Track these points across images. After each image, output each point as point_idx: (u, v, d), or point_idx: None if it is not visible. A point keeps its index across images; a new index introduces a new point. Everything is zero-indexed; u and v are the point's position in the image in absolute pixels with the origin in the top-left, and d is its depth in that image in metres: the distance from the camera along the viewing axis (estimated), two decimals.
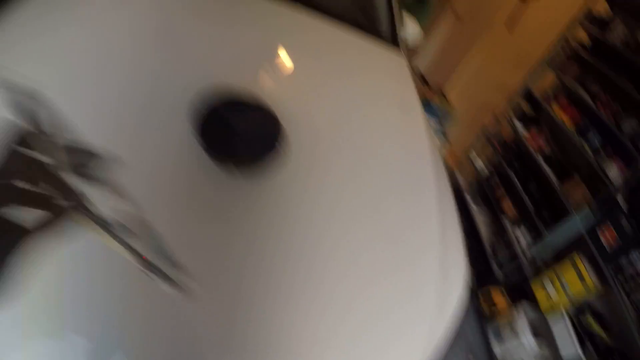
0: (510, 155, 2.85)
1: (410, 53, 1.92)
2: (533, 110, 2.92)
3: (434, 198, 1.20)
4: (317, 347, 0.80)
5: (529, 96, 2.85)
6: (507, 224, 2.65)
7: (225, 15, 1.33)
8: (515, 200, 2.69)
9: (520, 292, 2.42)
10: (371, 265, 0.96)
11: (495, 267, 2.62)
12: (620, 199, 1.96)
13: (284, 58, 1.32)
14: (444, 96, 4.36)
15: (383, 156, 1.21)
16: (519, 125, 2.81)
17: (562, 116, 2.45)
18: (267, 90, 1.12)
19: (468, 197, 3.15)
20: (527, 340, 2.17)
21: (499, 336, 2.34)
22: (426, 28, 5.32)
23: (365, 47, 1.59)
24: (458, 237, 1.24)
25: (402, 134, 1.35)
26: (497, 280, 2.59)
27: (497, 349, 2.34)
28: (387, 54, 1.66)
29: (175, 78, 1.01)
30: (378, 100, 1.41)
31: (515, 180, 2.68)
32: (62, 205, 0.63)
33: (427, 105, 4.21)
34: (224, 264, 0.79)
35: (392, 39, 1.72)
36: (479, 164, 3.25)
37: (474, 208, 3.07)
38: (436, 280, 1.05)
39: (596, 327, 1.94)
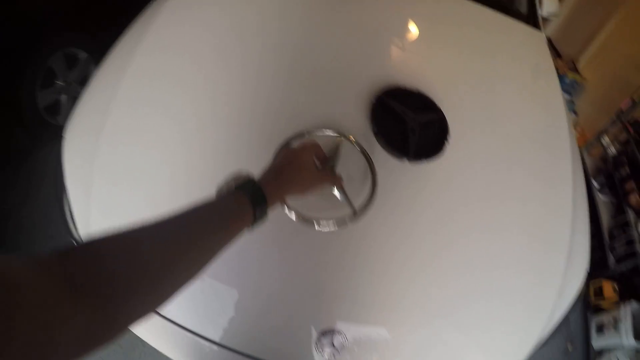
0: None
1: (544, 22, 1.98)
2: None
3: (570, 186, 1.28)
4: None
5: None
6: (632, 218, 2.50)
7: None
8: None
9: (632, 291, 2.33)
10: (507, 245, 1.10)
11: (611, 259, 2.52)
12: None
13: (437, 45, 1.51)
14: (576, 69, 4.05)
15: (526, 136, 1.33)
16: None
17: None
18: (432, 82, 1.28)
19: (594, 183, 2.99)
20: (628, 340, 2.13)
21: (601, 331, 2.31)
22: None
23: (510, 30, 1.76)
24: (586, 225, 1.32)
25: (543, 117, 1.44)
26: (610, 273, 2.50)
27: (596, 342, 2.32)
28: (529, 34, 1.80)
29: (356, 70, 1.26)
30: (519, 80, 1.54)
31: None
32: None
33: (559, 78, 3.96)
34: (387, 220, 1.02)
35: (533, 20, 1.89)
36: (611, 149, 3.03)
37: (598, 195, 2.91)
38: (563, 267, 1.13)
39: None
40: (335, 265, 0.96)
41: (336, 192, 0.93)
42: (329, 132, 1.04)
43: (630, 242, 2.45)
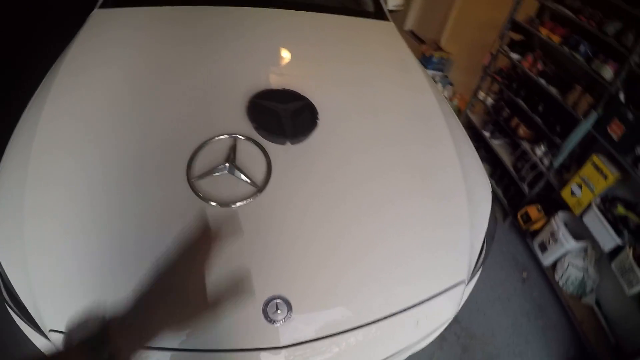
0: (514, 84, 3.07)
1: (401, 15, 2.36)
2: (525, 40, 3.13)
3: (447, 131, 1.55)
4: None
5: (516, 26, 3.05)
6: (527, 147, 2.89)
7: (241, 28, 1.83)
8: (529, 124, 2.92)
9: (553, 204, 2.68)
10: (411, 199, 1.29)
11: (525, 188, 2.87)
12: (620, 95, 2.20)
13: (302, 51, 1.79)
14: (440, 48, 4.59)
15: (398, 110, 1.59)
16: (514, 55, 3.03)
17: (551, 36, 2.67)
18: (296, 79, 1.54)
19: (485, 133, 3.38)
20: (570, 244, 2.43)
21: (545, 249, 2.61)
22: None
23: (361, 26, 2.11)
24: (477, 162, 1.57)
25: (407, 86, 1.73)
26: (529, 199, 2.85)
27: (545, 260, 2.61)
28: (379, 26, 2.16)
29: (228, 83, 1.49)
30: (381, 64, 1.84)
31: (525, 106, 2.91)
32: None
33: (428, 60, 4.47)
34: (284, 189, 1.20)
35: (380, 15, 2.26)
36: (489, 100, 3.47)
37: (494, 142, 3.31)
38: (464, 198, 1.35)
39: (627, 212, 2.19)
40: (252, 238, 1.08)
41: (243, 177, 1.17)
42: (223, 136, 1.27)
43: (534, 166, 2.82)
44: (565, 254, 2.49)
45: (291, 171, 1.22)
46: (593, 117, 2.31)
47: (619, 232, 2.12)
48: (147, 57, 1.56)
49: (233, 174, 1.17)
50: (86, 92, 1.40)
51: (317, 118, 1.35)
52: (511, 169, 3.06)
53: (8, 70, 2.72)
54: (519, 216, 2.86)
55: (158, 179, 1.15)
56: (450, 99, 4.33)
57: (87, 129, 1.27)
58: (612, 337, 2.25)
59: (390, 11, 2.40)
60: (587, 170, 2.32)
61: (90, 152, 1.20)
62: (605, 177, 2.21)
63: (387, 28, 2.16)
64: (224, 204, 1.11)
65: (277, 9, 1.99)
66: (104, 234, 1.03)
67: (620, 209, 2.19)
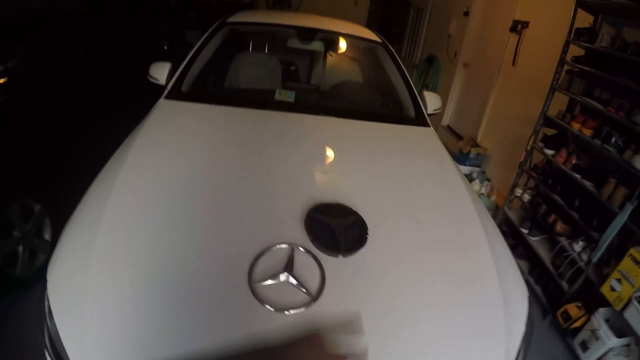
0: (549, 180, 3.10)
1: (439, 115, 2.56)
2: (558, 133, 3.23)
3: (484, 237, 1.61)
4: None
5: (549, 121, 3.16)
6: (565, 243, 2.85)
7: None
8: (566, 219, 2.91)
9: (594, 300, 2.57)
10: (448, 309, 1.32)
11: (565, 285, 2.78)
12: None
13: (353, 162, 1.96)
14: (477, 144, 4.72)
15: (439, 218, 1.68)
16: (548, 151, 3.11)
17: (583, 130, 2.76)
18: (348, 193, 1.66)
19: (523, 231, 3.35)
20: (612, 341, 2.31)
21: (586, 348, 2.47)
22: (443, 84, 5.93)
23: (405, 133, 2.35)
24: (512, 264, 1.61)
25: (447, 194, 1.84)
26: (568, 296, 2.74)
27: (587, 359, 2.45)
28: (421, 133, 2.39)
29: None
30: (423, 174, 1.99)
31: (561, 201, 2.92)
32: None
33: (465, 156, 4.60)
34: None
35: (422, 121, 2.50)
36: (525, 197, 3.49)
37: (531, 239, 3.27)
38: (500, 305, 1.37)
39: None
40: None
41: (299, 286, 1.24)
42: (283, 245, 1.36)
43: (572, 262, 2.75)
44: (608, 351, 2.34)
45: (342, 282, 1.29)
46: (628, 209, 2.30)
47: None
48: (211, 155, 1.79)
49: (290, 282, 1.25)
50: (154, 185, 1.58)
51: (366, 234, 1.45)
52: (550, 266, 2.99)
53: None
54: (558, 315, 2.74)
55: (221, 279, 1.26)
56: (488, 195, 4.36)
57: (154, 221, 1.41)
58: None
59: (430, 115, 2.61)
60: (626, 264, 2.26)
61: (158, 245, 1.33)
62: None
63: (428, 135, 2.36)
64: (279, 309, 1.17)
65: (327, 117, 2.26)
66: (167, 330, 1.12)
67: None
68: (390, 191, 1.76)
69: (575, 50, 3.00)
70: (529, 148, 3.33)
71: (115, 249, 1.30)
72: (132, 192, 1.52)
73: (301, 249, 1.35)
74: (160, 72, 2.43)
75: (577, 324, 2.60)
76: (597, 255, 2.52)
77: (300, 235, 1.41)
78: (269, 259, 1.30)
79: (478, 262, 1.49)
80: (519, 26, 4.20)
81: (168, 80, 2.40)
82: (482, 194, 4.37)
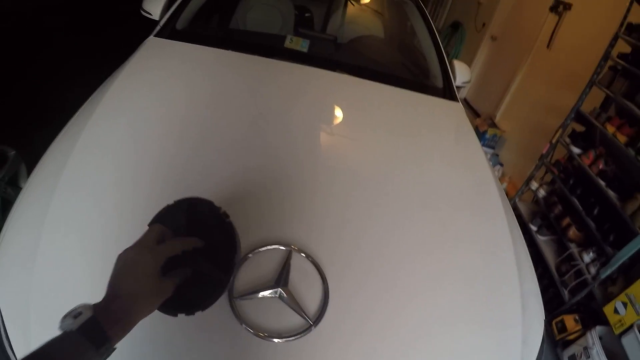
0: (570, 180, 2.98)
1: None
2: (587, 131, 3.07)
3: (510, 241, 1.44)
4: None
5: (580, 117, 2.99)
6: (575, 251, 2.75)
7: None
8: (581, 226, 2.82)
9: (592, 315, 2.53)
10: (462, 312, 1.19)
11: (566, 295, 2.72)
12: None
13: (372, 140, 1.73)
14: (494, 124, 4.56)
15: (460, 206, 1.51)
16: (575, 149, 2.95)
17: (617, 135, 2.60)
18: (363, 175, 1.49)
19: (532, 227, 3.26)
20: None
21: None
22: (465, 54, 5.71)
23: (431, 106, 2.10)
24: (532, 274, 1.45)
25: (472, 185, 1.65)
26: (568, 306, 2.68)
27: None
28: (449, 108, 2.14)
29: None
30: (446, 152, 1.80)
31: (579, 206, 2.80)
32: None
33: (481, 135, 4.44)
34: None
35: (450, 94, 2.24)
36: (541, 192, 3.37)
37: (539, 238, 3.17)
38: (519, 312, 1.25)
39: None
40: None
41: (294, 306, 1.02)
42: (275, 247, 1.12)
43: (579, 273, 2.67)
44: None
45: (347, 297, 1.10)
46: None
47: None
48: (200, 107, 1.58)
49: (283, 300, 1.03)
50: (126, 128, 1.43)
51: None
52: (554, 270, 2.92)
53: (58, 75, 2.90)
54: (553, 323, 2.70)
55: None
56: (499, 181, 4.24)
57: (118, 179, 1.25)
58: None
59: (457, 87, 2.38)
60: (636, 288, 2.21)
61: (119, 207, 1.17)
62: None
63: (456, 111, 2.11)
64: (264, 334, 0.98)
65: (344, 75, 2.03)
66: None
67: None
68: (411, 175, 1.56)
69: (623, 46, 2.80)
70: (554, 141, 3.18)
71: (71, 208, 1.16)
72: (99, 144, 1.35)
73: (302, 254, 1.13)
74: (154, 5, 2.21)
75: (570, 337, 2.55)
76: (607, 272, 2.46)
77: (300, 232, 1.19)
78: (257, 264, 1.08)
79: (501, 274, 1.33)
80: (561, 7, 3.99)
81: (162, 15, 2.19)
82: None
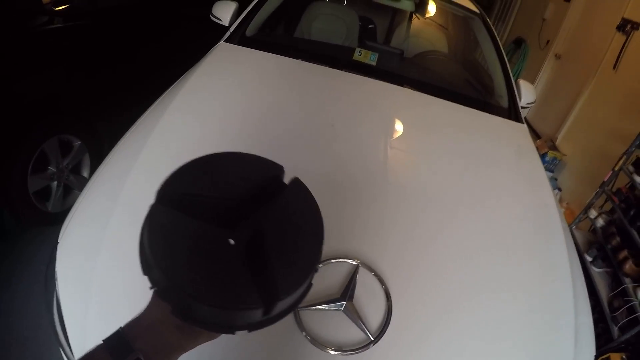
0: (631, 211, 2.90)
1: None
2: None
3: (568, 268, 1.44)
4: None
5: None
6: (630, 287, 2.68)
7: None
8: (638, 260, 2.73)
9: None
10: (514, 338, 1.21)
11: (615, 331, 2.65)
12: None
13: (437, 154, 1.79)
14: (555, 147, 4.47)
15: (518, 218, 1.56)
16: (638, 178, 2.88)
17: None
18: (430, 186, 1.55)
19: (586, 256, 3.19)
20: None
21: None
22: (527, 72, 5.63)
23: (494, 124, 2.11)
24: (587, 306, 1.47)
25: (536, 207, 1.66)
26: (616, 344, 2.62)
27: None
28: (513, 128, 2.14)
29: None
30: (510, 170, 1.83)
31: (638, 238, 2.73)
32: None
33: (540, 158, 4.34)
34: None
35: (515, 115, 2.24)
36: (599, 222, 3.29)
37: (594, 269, 3.11)
38: (571, 346, 1.24)
39: None
40: None
41: (357, 321, 1.06)
42: (342, 261, 1.17)
43: (631, 309, 2.60)
44: None
45: (408, 314, 1.14)
46: None
47: None
48: (270, 114, 1.67)
49: (347, 314, 1.07)
50: (197, 129, 1.53)
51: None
52: (606, 305, 2.86)
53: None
54: None
55: None
56: None
57: None
58: None
59: (522, 107, 2.37)
60: None
61: None
62: None
63: (521, 134, 2.11)
64: (325, 346, 1.02)
65: (411, 90, 2.08)
66: None
67: None
68: (476, 197, 1.59)
69: None
70: (616, 169, 3.09)
71: (140, 201, 1.23)
72: (169, 142, 1.45)
73: (368, 269, 1.17)
74: (224, 12, 2.34)
75: None
76: None
77: (366, 247, 1.22)
78: (324, 276, 1.12)
79: (557, 305, 1.32)
80: (629, 26, 3.87)
81: (232, 21, 2.32)
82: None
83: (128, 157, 1.40)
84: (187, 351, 0.57)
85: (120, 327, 0.55)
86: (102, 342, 0.54)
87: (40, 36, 2.35)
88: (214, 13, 2.36)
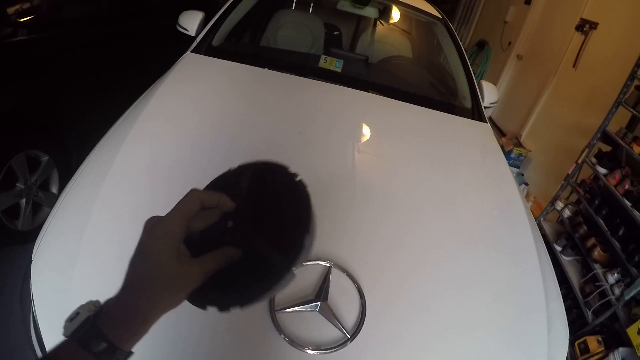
0: (596, 201, 3.07)
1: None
2: (613, 151, 3.16)
3: (536, 258, 1.52)
4: None
5: (606, 137, 3.08)
6: (599, 272, 2.82)
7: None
8: (606, 246, 2.88)
9: (615, 336, 2.60)
10: (486, 328, 1.26)
11: (589, 316, 2.78)
12: None
13: (402, 155, 1.85)
14: (520, 143, 4.64)
15: (484, 214, 1.64)
16: (600, 169, 3.03)
17: None
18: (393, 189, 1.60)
19: (557, 247, 3.32)
20: None
21: None
22: (490, 73, 5.82)
23: (459, 125, 2.21)
24: (558, 293, 1.53)
25: (499, 197, 1.77)
26: (591, 327, 2.75)
27: None
28: (476, 128, 2.25)
29: None
30: (475, 167, 1.92)
31: (604, 226, 2.88)
32: None
33: (506, 155, 4.52)
34: None
35: (479, 116, 2.35)
36: (566, 212, 3.44)
37: (564, 258, 3.24)
38: (544, 333, 1.31)
39: None
40: None
41: (333, 319, 1.10)
42: (315, 263, 1.21)
43: (602, 294, 2.73)
44: None
45: (383, 312, 1.18)
46: None
47: None
48: (237, 124, 1.69)
49: (323, 314, 1.11)
50: (166, 149, 1.53)
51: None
52: (578, 291, 2.99)
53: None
54: (576, 344, 2.75)
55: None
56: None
57: (159, 192, 1.32)
58: None
59: (485, 108, 2.47)
60: None
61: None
62: None
63: (484, 133, 2.21)
64: (303, 346, 1.06)
65: (376, 95, 2.16)
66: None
67: None
68: (442, 195, 1.65)
69: None
70: (579, 161, 3.26)
71: (114, 212, 1.26)
72: (142, 149, 1.48)
73: (340, 270, 1.21)
74: (191, 22, 2.37)
75: (593, 359, 2.61)
76: (631, 293, 2.51)
77: (338, 249, 1.27)
78: (298, 278, 1.12)
79: (528, 294, 1.39)
80: (587, 26, 4.10)
81: (199, 31, 2.35)
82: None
83: (101, 166, 1.41)
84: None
85: (90, 315, 0.52)
86: (67, 336, 0.50)
87: (4, 48, 2.32)
88: (180, 23, 2.38)
